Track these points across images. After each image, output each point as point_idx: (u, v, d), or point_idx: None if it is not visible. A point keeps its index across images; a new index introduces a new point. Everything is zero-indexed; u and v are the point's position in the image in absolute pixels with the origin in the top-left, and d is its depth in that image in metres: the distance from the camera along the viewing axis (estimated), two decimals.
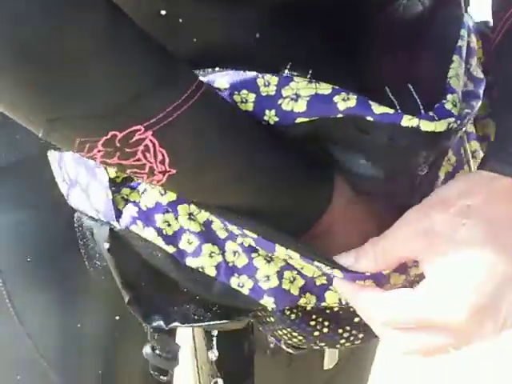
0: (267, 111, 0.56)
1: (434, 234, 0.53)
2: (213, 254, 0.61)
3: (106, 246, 0.61)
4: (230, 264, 0.61)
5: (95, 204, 0.62)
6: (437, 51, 0.61)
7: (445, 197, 0.55)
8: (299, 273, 0.61)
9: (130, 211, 0.60)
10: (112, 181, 0.61)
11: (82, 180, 0.62)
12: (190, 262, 0.61)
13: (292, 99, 0.56)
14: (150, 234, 0.60)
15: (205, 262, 0.61)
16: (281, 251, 0.58)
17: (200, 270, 0.61)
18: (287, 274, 0.61)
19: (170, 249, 0.61)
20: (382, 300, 0.55)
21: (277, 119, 0.56)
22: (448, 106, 0.57)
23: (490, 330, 0.53)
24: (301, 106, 0.56)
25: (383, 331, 0.56)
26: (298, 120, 0.56)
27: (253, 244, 0.60)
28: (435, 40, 0.61)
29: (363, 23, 0.59)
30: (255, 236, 0.58)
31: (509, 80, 0.59)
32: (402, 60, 0.60)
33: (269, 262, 0.61)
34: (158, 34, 0.53)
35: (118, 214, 0.61)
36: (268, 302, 0.61)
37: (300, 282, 0.62)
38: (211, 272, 0.61)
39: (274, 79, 0.56)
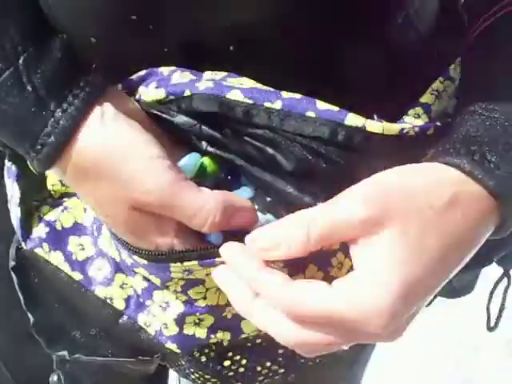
0: None
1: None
2: (124, 286, 0.58)
3: (12, 264, 0.59)
4: (141, 299, 0.58)
5: (12, 219, 0.59)
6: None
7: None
8: (204, 310, 0.57)
9: (38, 232, 0.58)
10: (41, 197, 0.58)
11: (9, 193, 0.60)
12: (99, 291, 0.58)
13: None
14: (55, 258, 0.58)
15: (115, 292, 0.58)
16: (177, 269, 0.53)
17: (108, 300, 0.58)
18: (189, 318, 0.57)
19: (76, 276, 0.58)
20: (291, 286, 0.47)
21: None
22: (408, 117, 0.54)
23: (394, 334, 0.48)
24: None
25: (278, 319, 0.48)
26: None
27: (147, 275, 0.56)
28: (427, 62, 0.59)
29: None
30: (145, 262, 0.54)
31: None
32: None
33: (164, 309, 0.57)
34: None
35: (27, 234, 0.58)
36: (172, 347, 0.58)
37: (208, 321, 0.58)
38: (120, 305, 0.58)
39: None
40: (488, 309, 0.69)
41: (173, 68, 0.53)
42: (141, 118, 0.52)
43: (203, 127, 0.52)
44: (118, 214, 0.51)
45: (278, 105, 0.50)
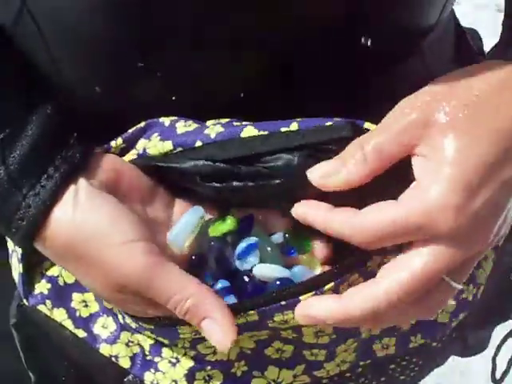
0: None
1: (435, 124, 0.46)
2: (130, 344, 0.55)
3: (12, 321, 0.57)
4: (148, 357, 0.55)
5: (14, 274, 0.57)
6: None
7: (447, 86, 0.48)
8: (214, 366, 0.55)
9: (40, 288, 0.55)
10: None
11: (10, 247, 0.58)
12: (104, 349, 0.56)
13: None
14: (59, 315, 0.55)
15: (120, 350, 0.55)
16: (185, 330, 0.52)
17: (113, 359, 0.55)
18: (199, 374, 0.55)
19: (80, 333, 0.56)
20: (358, 218, 0.47)
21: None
22: None
23: (481, 242, 0.47)
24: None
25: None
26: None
27: (153, 336, 0.54)
28: None
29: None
30: (151, 327, 0.52)
31: None
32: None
33: (174, 364, 0.55)
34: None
35: (29, 291, 0.55)
36: None
37: (218, 378, 0.56)
38: (125, 363, 0.56)
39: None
40: (494, 360, 0.67)
41: (174, 118, 0.53)
42: (129, 177, 0.51)
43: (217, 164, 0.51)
44: (104, 294, 0.50)
45: (294, 126, 0.50)
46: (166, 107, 0.53)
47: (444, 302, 0.49)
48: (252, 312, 0.51)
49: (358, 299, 0.47)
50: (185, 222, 0.52)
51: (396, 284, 0.46)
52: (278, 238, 0.54)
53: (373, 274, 0.53)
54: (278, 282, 0.51)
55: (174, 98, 0.52)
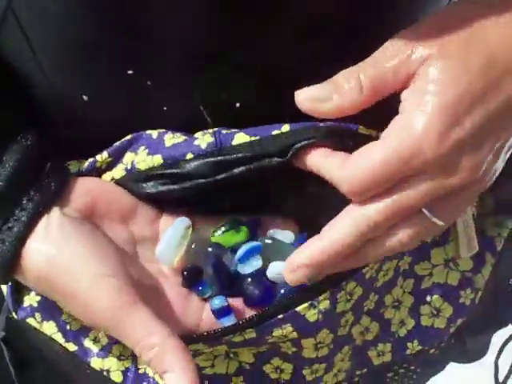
0: None
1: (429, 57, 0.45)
2: (122, 357, 0.54)
3: (1, 334, 0.55)
4: (141, 371, 0.54)
5: (2, 286, 0.56)
6: None
7: None
8: (211, 380, 0.54)
9: (30, 301, 0.54)
10: None
11: None
12: (95, 362, 0.54)
13: None
14: (48, 328, 0.54)
15: (112, 364, 0.54)
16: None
17: (105, 373, 0.54)
18: None
19: (71, 347, 0.54)
20: (349, 170, 0.46)
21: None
22: None
23: (467, 170, 0.45)
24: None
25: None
26: None
27: None
28: None
29: None
30: None
31: None
32: None
33: None
34: None
35: (18, 303, 0.54)
36: None
37: None
38: (117, 377, 0.54)
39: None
40: (496, 363, 0.66)
41: (162, 130, 0.51)
42: (107, 199, 0.51)
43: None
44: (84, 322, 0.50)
45: (286, 128, 0.49)
46: (156, 118, 0.51)
47: (420, 234, 0.47)
48: (250, 330, 0.50)
49: (337, 226, 0.46)
50: (169, 235, 0.51)
51: (374, 210, 0.45)
52: (289, 237, 0.53)
53: (371, 282, 0.52)
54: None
55: (164, 108, 0.51)
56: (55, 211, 0.48)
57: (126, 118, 0.52)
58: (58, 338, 0.54)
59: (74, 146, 0.51)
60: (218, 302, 0.50)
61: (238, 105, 0.50)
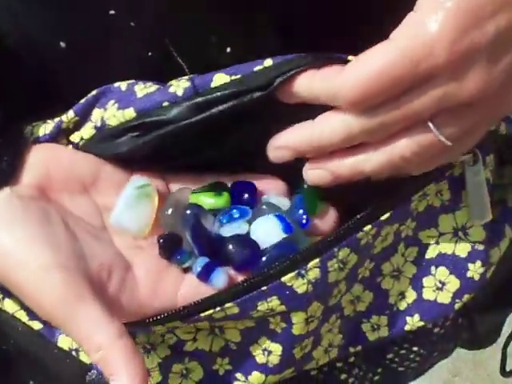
0: None
1: None
2: None
3: None
4: None
5: None
6: None
7: None
8: (193, 356, 0.50)
9: None
10: None
11: None
12: (62, 341, 0.50)
13: None
14: (10, 305, 0.50)
15: None
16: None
17: (73, 353, 0.50)
18: (176, 367, 0.50)
19: (36, 325, 0.50)
20: (346, 67, 0.42)
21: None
22: None
23: (477, 82, 0.41)
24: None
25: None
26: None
27: None
28: None
29: None
30: None
31: None
32: None
33: (148, 351, 0.49)
34: None
35: None
36: None
37: (197, 373, 0.50)
38: (87, 358, 0.50)
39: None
40: (504, 352, 0.61)
41: (131, 81, 0.47)
42: (65, 167, 0.47)
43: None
44: None
45: (268, 62, 0.44)
46: (138, 66, 0.47)
47: (425, 153, 0.43)
48: (229, 305, 0.45)
49: (328, 115, 0.43)
50: (126, 197, 0.46)
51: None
52: (284, 202, 0.48)
53: (366, 249, 0.48)
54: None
55: (150, 53, 0.47)
56: (4, 191, 0.44)
57: (107, 68, 0.48)
58: (22, 315, 0.50)
59: (47, 98, 0.48)
60: (201, 260, 0.45)
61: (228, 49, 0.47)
